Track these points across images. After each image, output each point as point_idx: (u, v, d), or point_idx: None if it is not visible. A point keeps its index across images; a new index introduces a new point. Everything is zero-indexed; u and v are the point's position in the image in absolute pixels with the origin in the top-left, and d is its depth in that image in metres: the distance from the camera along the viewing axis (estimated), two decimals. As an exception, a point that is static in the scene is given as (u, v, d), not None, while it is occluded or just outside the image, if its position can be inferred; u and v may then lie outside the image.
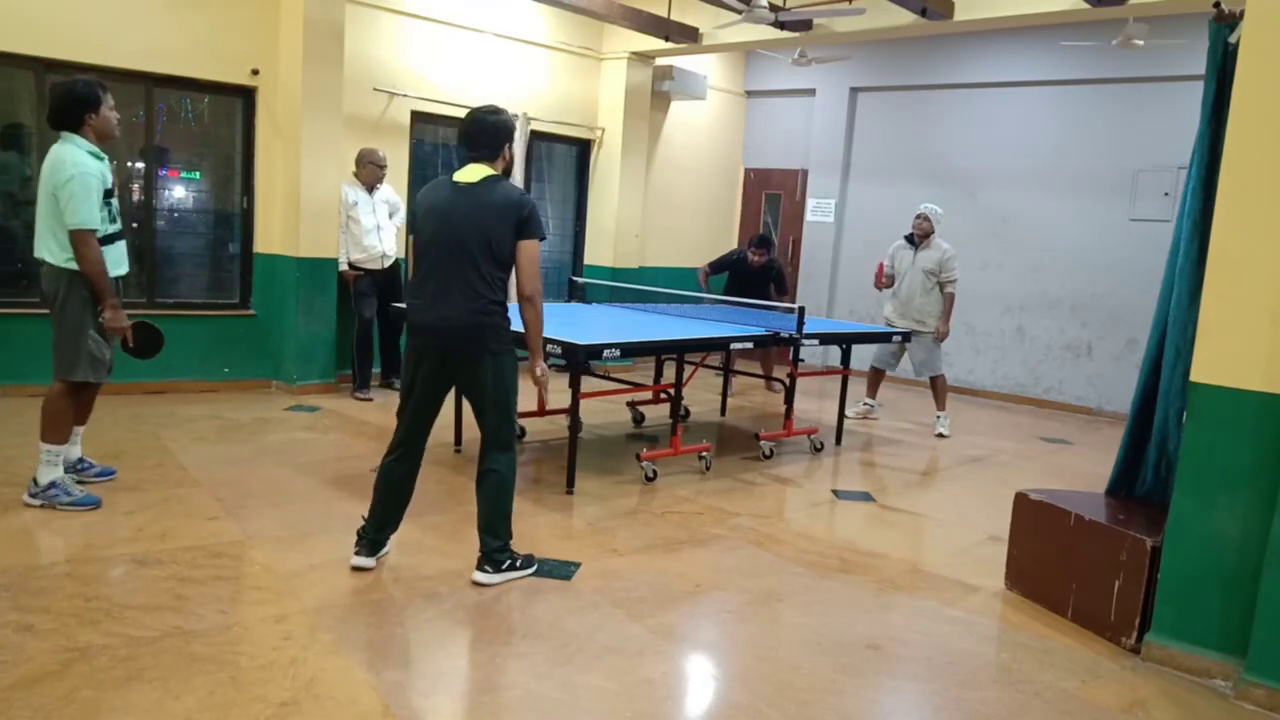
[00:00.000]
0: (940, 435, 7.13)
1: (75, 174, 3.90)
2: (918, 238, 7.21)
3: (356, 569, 3.63)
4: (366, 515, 3.71)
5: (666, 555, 4.11)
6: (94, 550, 3.68)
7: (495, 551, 3.63)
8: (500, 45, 8.20)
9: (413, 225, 3.62)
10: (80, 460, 4.47)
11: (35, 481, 4.13)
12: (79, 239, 3.92)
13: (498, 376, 3.53)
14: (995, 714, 2.91)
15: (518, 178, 8.34)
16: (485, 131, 3.54)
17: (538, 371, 3.62)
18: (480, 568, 3.62)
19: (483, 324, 3.45)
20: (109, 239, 4.09)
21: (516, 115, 3.51)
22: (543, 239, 3.54)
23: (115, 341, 4.18)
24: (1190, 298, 3.53)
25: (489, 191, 3.45)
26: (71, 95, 4.00)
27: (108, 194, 4.07)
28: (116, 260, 4.15)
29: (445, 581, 3.62)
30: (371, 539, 3.68)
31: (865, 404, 7.67)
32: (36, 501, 4.10)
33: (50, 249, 4.03)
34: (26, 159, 6.14)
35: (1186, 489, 3.27)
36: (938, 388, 7.27)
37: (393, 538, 3.81)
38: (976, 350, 9.18)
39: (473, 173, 3.51)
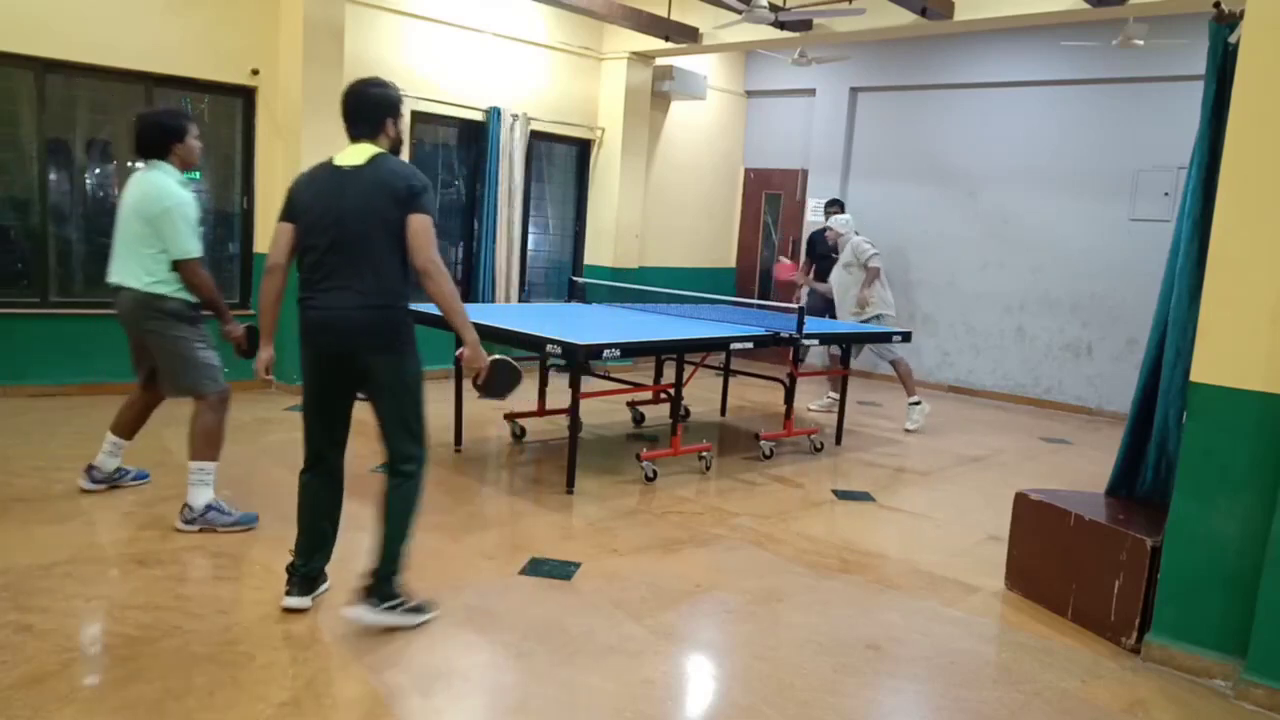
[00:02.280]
0: (908, 430, 7.20)
1: (172, 205, 3.94)
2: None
3: (288, 610, 3.24)
4: (293, 548, 3.33)
5: (666, 555, 4.11)
6: (94, 550, 3.68)
7: (384, 582, 3.15)
8: (500, 45, 8.20)
9: (291, 214, 3.18)
10: (118, 469, 4.44)
11: (190, 507, 4.00)
12: (189, 269, 4.01)
13: (397, 376, 3.15)
14: (995, 714, 2.91)
15: (517, 178, 8.35)
16: (365, 105, 3.18)
17: (465, 354, 3.25)
18: (364, 599, 3.14)
19: (381, 319, 3.11)
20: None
21: (398, 88, 3.27)
22: (434, 220, 3.14)
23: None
24: (1190, 298, 3.53)
25: (378, 171, 3.09)
26: (159, 126, 4.07)
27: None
28: None
29: (445, 581, 3.63)
30: (302, 574, 3.28)
31: (830, 397, 7.72)
32: (193, 528, 3.97)
33: (135, 274, 4.00)
34: (27, 161, 6.14)
35: (1186, 489, 3.27)
36: (900, 373, 7.40)
37: (328, 572, 3.44)
38: (976, 350, 9.18)
39: (357, 154, 3.14)
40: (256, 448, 5.40)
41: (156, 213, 3.93)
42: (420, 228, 3.07)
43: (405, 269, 3.13)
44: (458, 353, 3.28)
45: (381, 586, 3.15)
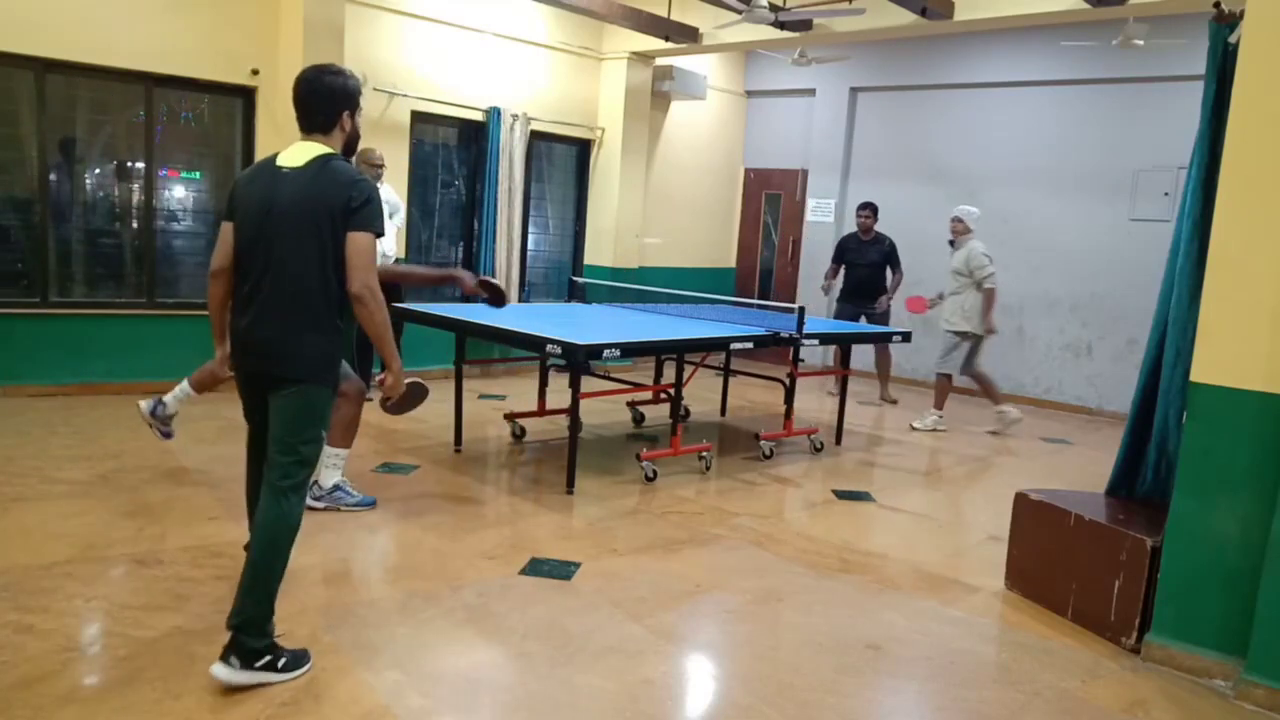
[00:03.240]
0: (913, 427, 7.25)
1: None
2: (953, 239, 7.37)
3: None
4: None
5: (666, 555, 4.11)
6: (94, 550, 3.68)
7: (248, 634, 2.72)
8: (500, 45, 8.20)
9: (230, 214, 2.95)
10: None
11: (319, 485, 4.32)
12: None
13: (303, 411, 2.84)
14: (995, 714, 2.91)
15: (517, 178, 8.35)
16: (318, 94, 2.92)
17: (388, 381, 3.10)
18: (225, 657, 2.70)
19: (302, 343, 2.82)
20: None
21: (360, 77, 3.13)
22: (379, 234, 2.87)
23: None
24: (1190, 298, 3.53)
25: (318, 177, 2.82)
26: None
27: None
28: None
29: (445, 581, 3.62)
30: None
31: (935, 415, 7.34)
32: (320, 504, 4.30)
33: None
34: (27, 161, 6.14)
35: (1186, 489, 3.27)
36: (939, 387, 7.32)
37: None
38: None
39: (299, 153, 2.88)
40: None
41: None
42: (359, 248, 2.80)
43: (339, 290, 2.84)
44: (379, 378, 3.16)
45: (246, 639, 2.72)
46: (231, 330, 2.95)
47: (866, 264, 8.08)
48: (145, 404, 4.49)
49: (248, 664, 2.71)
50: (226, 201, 2.99)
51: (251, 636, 2.72)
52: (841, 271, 8.33)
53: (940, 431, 7.27)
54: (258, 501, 2.93)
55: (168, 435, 4.59)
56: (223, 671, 2.69)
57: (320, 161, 2.85)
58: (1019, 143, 8.83)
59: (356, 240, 2.80)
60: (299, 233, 2.79)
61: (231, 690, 2.67)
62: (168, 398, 4.51)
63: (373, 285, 2.81)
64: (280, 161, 2.89)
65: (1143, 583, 3.39)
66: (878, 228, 8.16)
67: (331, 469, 4.35)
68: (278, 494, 2.82)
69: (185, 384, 4.50)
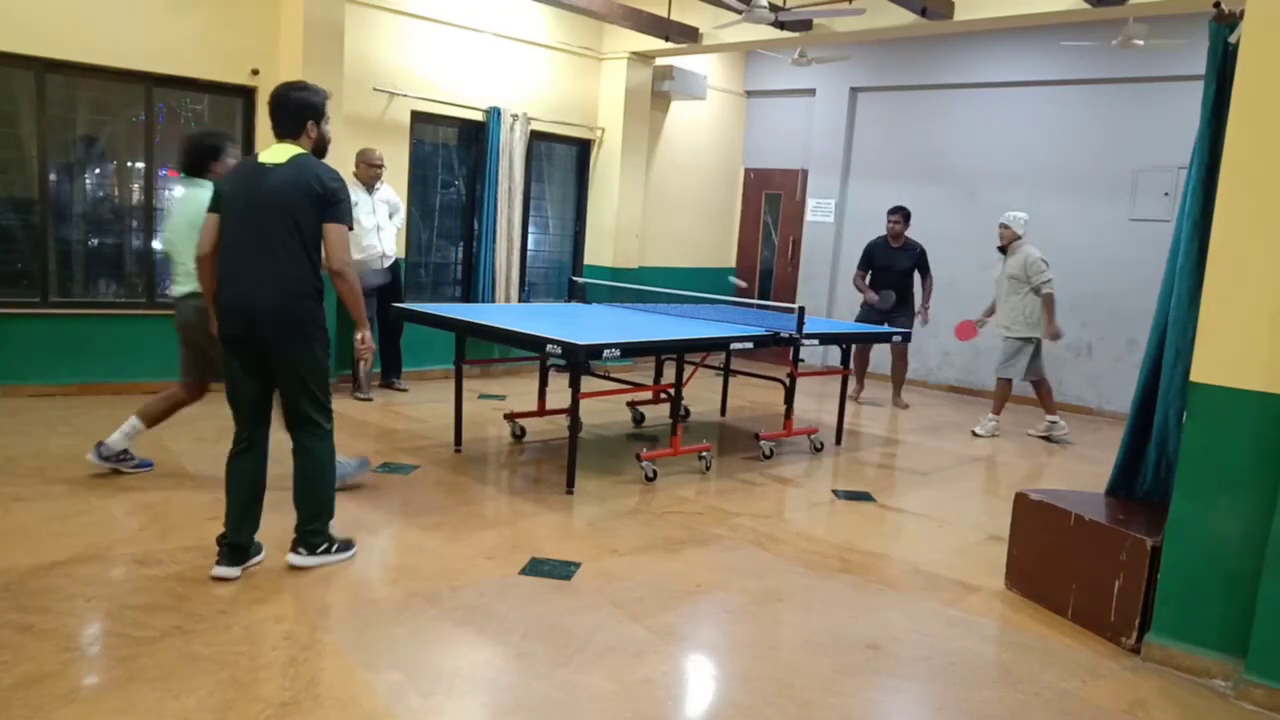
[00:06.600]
0: (974, 433, 7.20)
1: None
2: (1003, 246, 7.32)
3: (217, 579, 3.43)
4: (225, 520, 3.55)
5: (666, 555, 4.11)
6: (94, 550, 3.68)
7: (310, 534, 3.60)
8: (500, 45, 8.20)
9: (215, 206, 3.47)
10: (125, 452, 4.69)
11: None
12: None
13: (311, 363, 3.47)
14: (995, 714, 2.91)
15: (517, 178, 8.35)
16: (284, 107, 3.45)
17: (360, 339, 3.62)
18: (295, 549, 3.60)
19: (295, 307, 3.38)
20: None
21: (324, 92, 3.54)
22: (350, 228, 3.47)
23: None
24: (1190, 298, 3.53)
25: (298, 171, 3.35)
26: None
27: None
28: None
29: (445, 581, 3.62)
30: (230, 544, 3.49)
31: (994, 420, 7.31)
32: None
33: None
34: (27, 161, 6.14)
35: (1186, 489, 3.27)
36: (999, 392, 7.31)
37: (262, 543, 3.66)
38: (976, 350, 9.17)
39: (279, 152, 3.41)
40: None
41: None
42: (336, 236, 3.40)
43: (314, 261, 3.42)
44: (358, 337, 3.65)
45: (311, 537, 3.59)
46: (229, 304, 3.42)
47: (896, 270, 8.01)
48: (91, 457, 4.60)
49: (312, 551, 3.57)
50: (212, 197, 3.50)
51: (315, 535, 3.57)
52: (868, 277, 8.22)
53: (996, 437, 7.20)
54: (252, 474, 3.69)
55: (143, 465, 4.75)
56: (297, 559, 3.55)
57: (300, 157, 3.41)
58: (1019, 143, 8.83)
59: (333, 229, 3.39)
60: (287, 216, 3.33)
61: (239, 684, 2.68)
62: (109, 439, 4.63)
63: (348, 261, 3.45)
64: (263, 159, 3.42)
65: (1143, 583, 3.39)
66: (908, 234, 8.10)
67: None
68: (314, 440, 3.61)
69: (134, 419, 4.64)
